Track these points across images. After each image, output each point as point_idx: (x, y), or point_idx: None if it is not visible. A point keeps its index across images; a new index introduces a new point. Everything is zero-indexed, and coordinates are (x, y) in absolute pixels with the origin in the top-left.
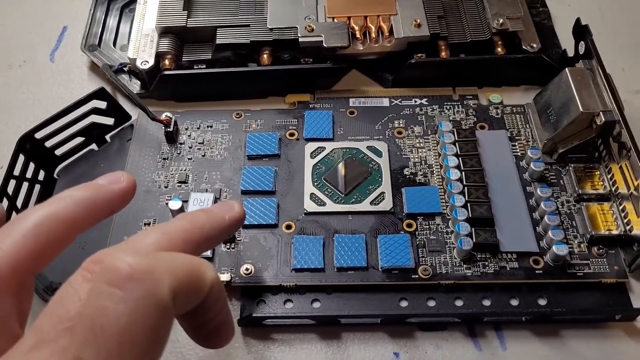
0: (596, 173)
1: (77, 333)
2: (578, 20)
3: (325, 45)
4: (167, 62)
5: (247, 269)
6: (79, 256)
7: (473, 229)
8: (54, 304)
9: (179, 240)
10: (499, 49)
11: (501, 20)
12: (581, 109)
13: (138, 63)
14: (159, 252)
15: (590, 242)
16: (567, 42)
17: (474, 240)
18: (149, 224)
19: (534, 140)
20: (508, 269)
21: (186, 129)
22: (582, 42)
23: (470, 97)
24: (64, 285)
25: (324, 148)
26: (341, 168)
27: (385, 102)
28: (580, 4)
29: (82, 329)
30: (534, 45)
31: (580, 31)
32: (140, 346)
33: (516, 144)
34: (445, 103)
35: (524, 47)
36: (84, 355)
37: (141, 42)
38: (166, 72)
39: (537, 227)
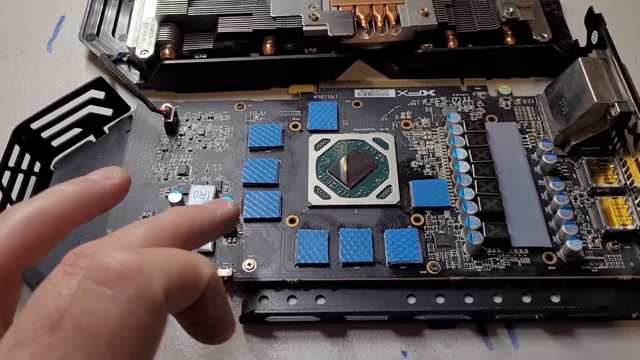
0: (610, 166)
1: (62, 333)
2: (591, 9)
3: (329, 35)
4: (167, 51)
5: (249, 264)
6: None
7: (483, 223)
8: (32, 302)
9: (167, 233)
10: (509, 39)
11: (511, 9)
12: (595, 100)
13: (137, 52)
14: (150, 249)
15: (604, 238)
16: (578, 33)
17: (485, 235)
18: (147, 217)
19: (545, 133)
20: (520, 264)
21: (186, 120)
22: (595, 32)
23: (479, 88)
24: (44, 281)
25: (329, 140)
26: (346, 160)
27: (392, 94)
28: None
29: (69, 329)
30: (545, 35)
31: (594, 20)
32: (131, 348)
33: (527, 136)
34: (453, 94)
35: (534, 37)
36: (70, 357)
37: (140, 31)
38: (166, 62)
39: (549, 222)
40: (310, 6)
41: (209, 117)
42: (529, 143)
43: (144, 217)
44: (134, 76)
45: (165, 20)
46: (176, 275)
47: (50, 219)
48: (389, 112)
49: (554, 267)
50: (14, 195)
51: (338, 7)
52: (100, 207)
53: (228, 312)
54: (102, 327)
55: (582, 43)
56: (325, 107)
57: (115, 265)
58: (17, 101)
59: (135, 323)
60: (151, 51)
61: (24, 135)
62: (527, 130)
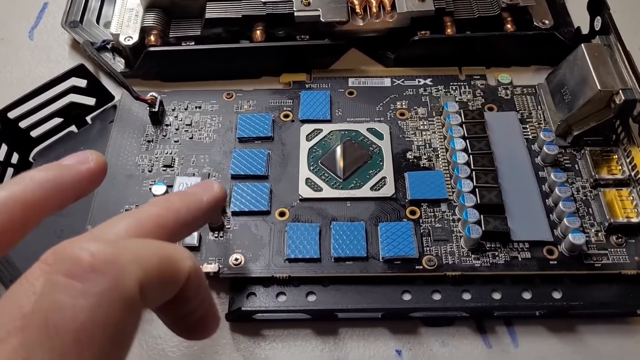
0: (614, 157)
1: (27, 330)
2: None
3: (322, 20)
4: (152, 38)
5: (236, 259)
6: (55, 245)
7: (482, 216)
8: (6, 300)
9: (151, 227)
10: (509, 26)
11: None
12: (599, 87)
13: (121, 39)
14: (126, 240)
15: (608, 231)
16: (579, 21)
17: (483, 229)
18: (129, 210)
19: (546, 123)
20: (520, 259)
21: (173, 110)
22: (598, 17)
23: (478, 77)
24: (20, 278)
25: (321, 130)
26: (339, 151)
27: (387, 82)
28: None
29: (35, 326)
30: (546, 22)
31: (597, 5)
32: (102, 345)
33: (527, 126)
34: (451, 83)
35: (535, 23)
36: (34, 357)
37: (125, 17)
38: (151, 49)
39: (550, 215)
40: None
41: (196, 107)
42: (529, 133)
43: (126, 210)
44: (119, 64)
45: (150, 6)
46: (153, 268)
47: (20, 207)
48: (384, 102)
49: (555, 262)
50: None
51: None
52: (74, 193)
53: (212, 306)
54: (70, 323)
55: (585, 30)
56: (318, 97)
57: (86, 257)
58: None
59: (106, 319)
60: (136, 37)
61: (0, 124)
62: (527, 120)
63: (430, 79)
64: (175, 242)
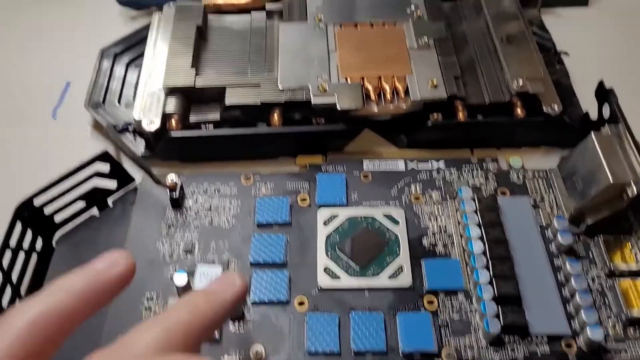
0: (627, 244)
1: None
2: (601, 84)
3: (339, 109)
4: (173, 123)
5: (257, 352)
6: (73, 337)
7: (500, 308)
8: None
9: (180, 337)
10: (519, 110)
11: (521, 82)
12: (611, 180)
13: (144, 124)
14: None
15: (625, 323)
16: (587, 101)
17: (502, 323)
18: (151, 299)
19: (558, 208)
20: (539, 354)
21: (192, 193)
22: (606, 104)
23: (490, 159)
24: None
25: (337, 215)
26: (356, 239)
27: (401, 165)
28: (601, 62)
29: None
30: (555, 107)
31: (604, 94)
32: None
33: (540, 211)
34: (464, 165)
35: (544, 109)
36: None
37: (147, 102)
38: (173, 134)
39: (567, 305)
40: (318, 77)
41: (215, 190)
42: (542, 220)
43: (147, 298)
44: (140, 146)
45: (172, 92)
46: None
47: (57, 319)
48: (398, 186)
49: (574, 357)
50: (14, 275)
51: (347, 78)
52: (106, 298)
53: None
54: None
55: (592, 110)
56: (334, 180)
57: None
58: (19, 170)
59: None
60: (158, 123)
61: (26, 212)
62: (540, 204)
63: (443, 162)
64: (201, 344)
